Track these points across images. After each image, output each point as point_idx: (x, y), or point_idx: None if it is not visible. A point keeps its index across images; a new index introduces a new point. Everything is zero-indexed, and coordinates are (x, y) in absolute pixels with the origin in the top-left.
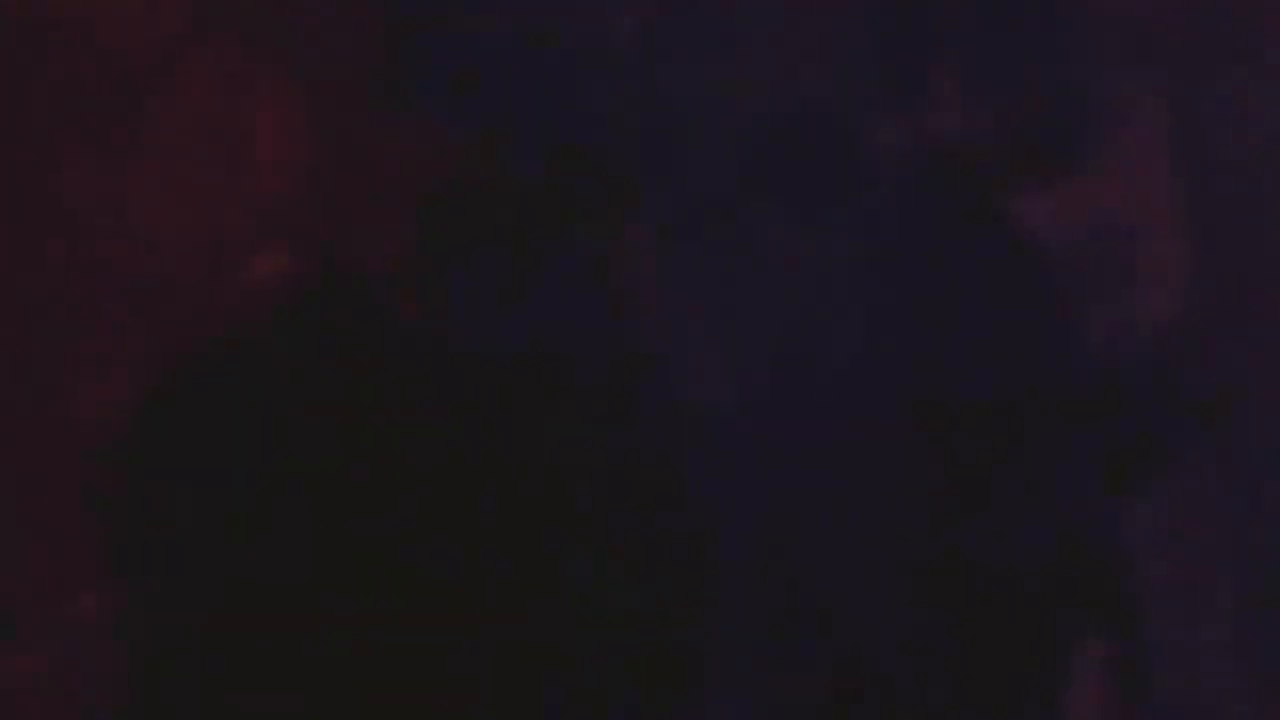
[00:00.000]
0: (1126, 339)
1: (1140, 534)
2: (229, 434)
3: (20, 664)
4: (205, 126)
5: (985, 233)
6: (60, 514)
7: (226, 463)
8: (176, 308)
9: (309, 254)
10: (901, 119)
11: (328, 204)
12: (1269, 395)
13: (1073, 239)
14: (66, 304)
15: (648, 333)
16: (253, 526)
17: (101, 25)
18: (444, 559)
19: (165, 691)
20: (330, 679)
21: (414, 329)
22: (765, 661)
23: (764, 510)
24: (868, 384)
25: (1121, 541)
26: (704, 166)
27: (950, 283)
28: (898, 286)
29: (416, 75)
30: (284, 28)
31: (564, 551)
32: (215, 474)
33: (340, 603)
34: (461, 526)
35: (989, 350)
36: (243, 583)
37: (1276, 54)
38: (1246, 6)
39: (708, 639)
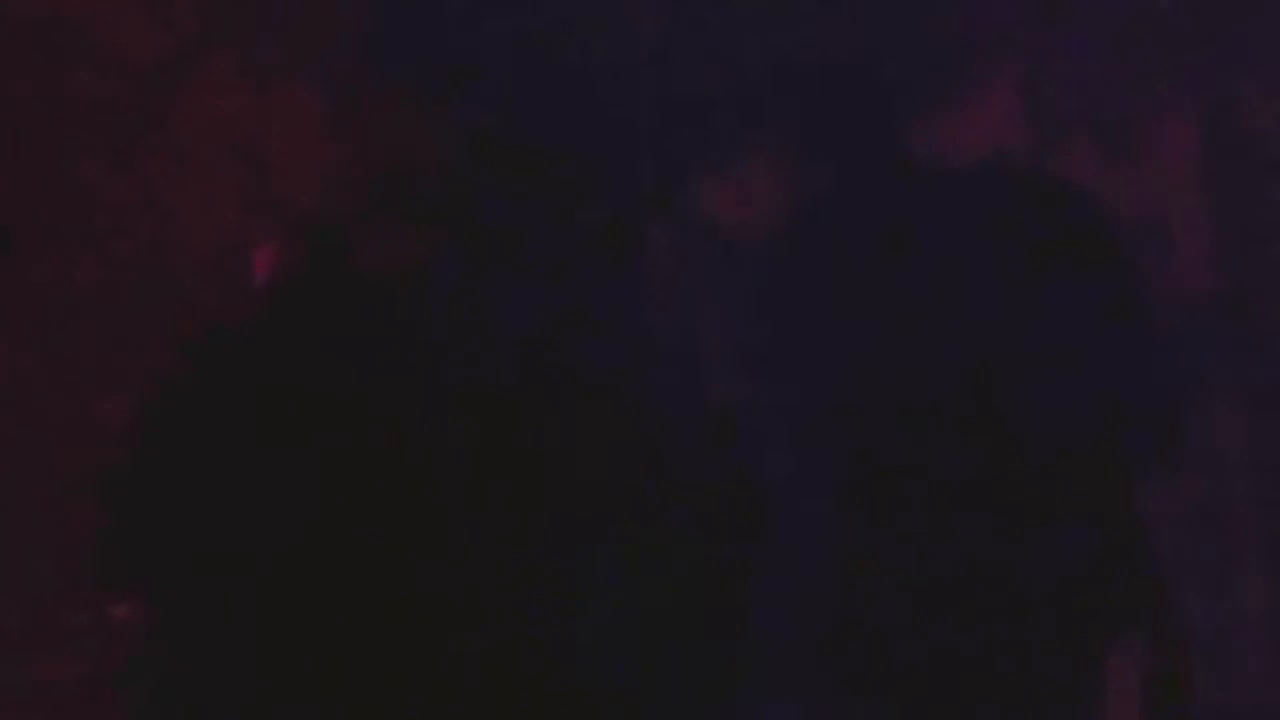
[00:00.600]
0: (1161, 316)
1: (1170, 519)
2: (247, 428)
3: (57, 670)
4: (221, 128)
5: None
6: (94, 520)
7: (244, 457)
8: (193, 305)
9: (323, 250)
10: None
11: (343, 202)
12: None
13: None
14: (90, 307)
15: (667, 328)
16: (273, 522)
17: (119, 32)
18: (465, 545)
19: (196, 691)
20: (355, 669)
21: (429, 325)
22: (809, 667)
23: (808, 506)
24: (906, 381)
25: (1153, 527)
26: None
27: (997, 281)
28: (947, 282)
29: (433, 74)
30: (300, 30)
31: (584, 542)
32: (234, 467)
33: (364, 592)
34: (485, 515)
35: (1037, 343)
36: (267, 581)
37: None
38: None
39: (749, 637)
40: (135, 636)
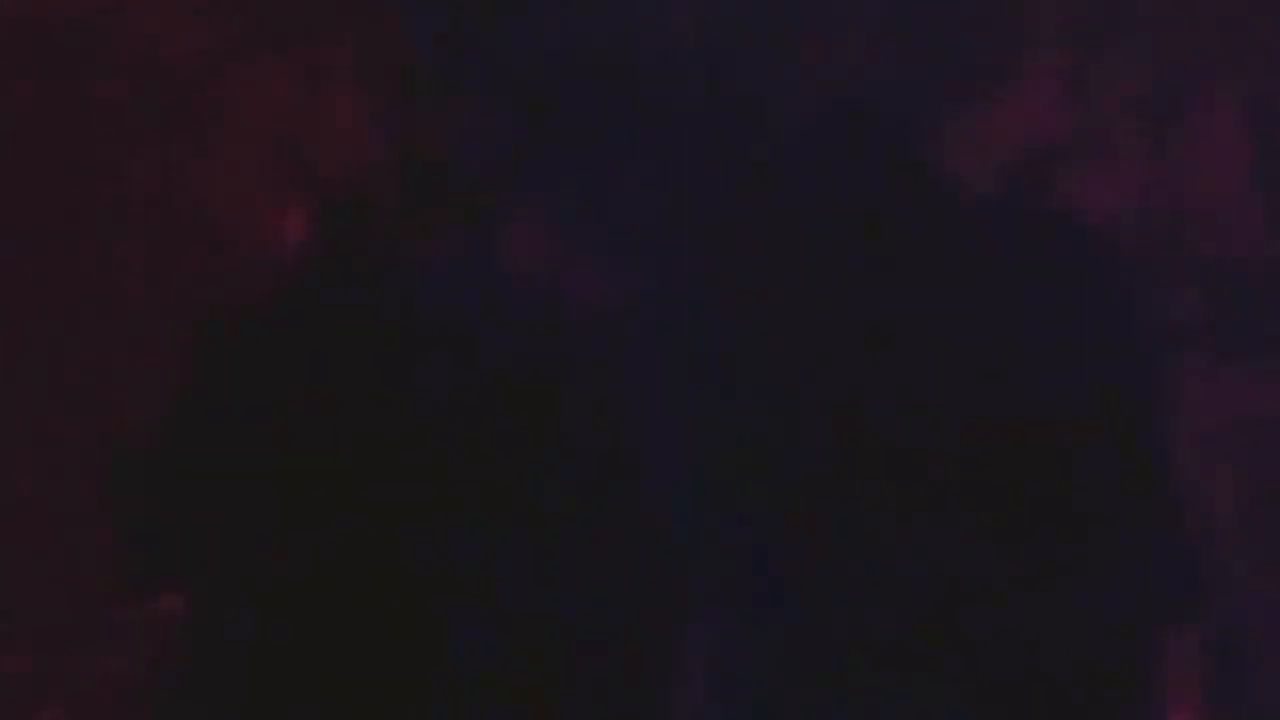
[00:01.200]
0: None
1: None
2: (278, 412)
3: (105, 664)
4: (261, 122)
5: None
6: (135, 512)
7: (277, 441)
8: (231, 295)
9: (363, 240)
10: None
11: (384, 191)
12: None
13: (1152, 220)
14: (129, 297)
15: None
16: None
17: (158, 29)
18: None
19: (233, 681)
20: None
21: (450, 308)
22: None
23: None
24: (929, 385)
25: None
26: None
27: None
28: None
29: (471, 68)
30: (345, 25)
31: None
32: (268, 451)
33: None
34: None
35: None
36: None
37: None
38: None
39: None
40: (179, 629)
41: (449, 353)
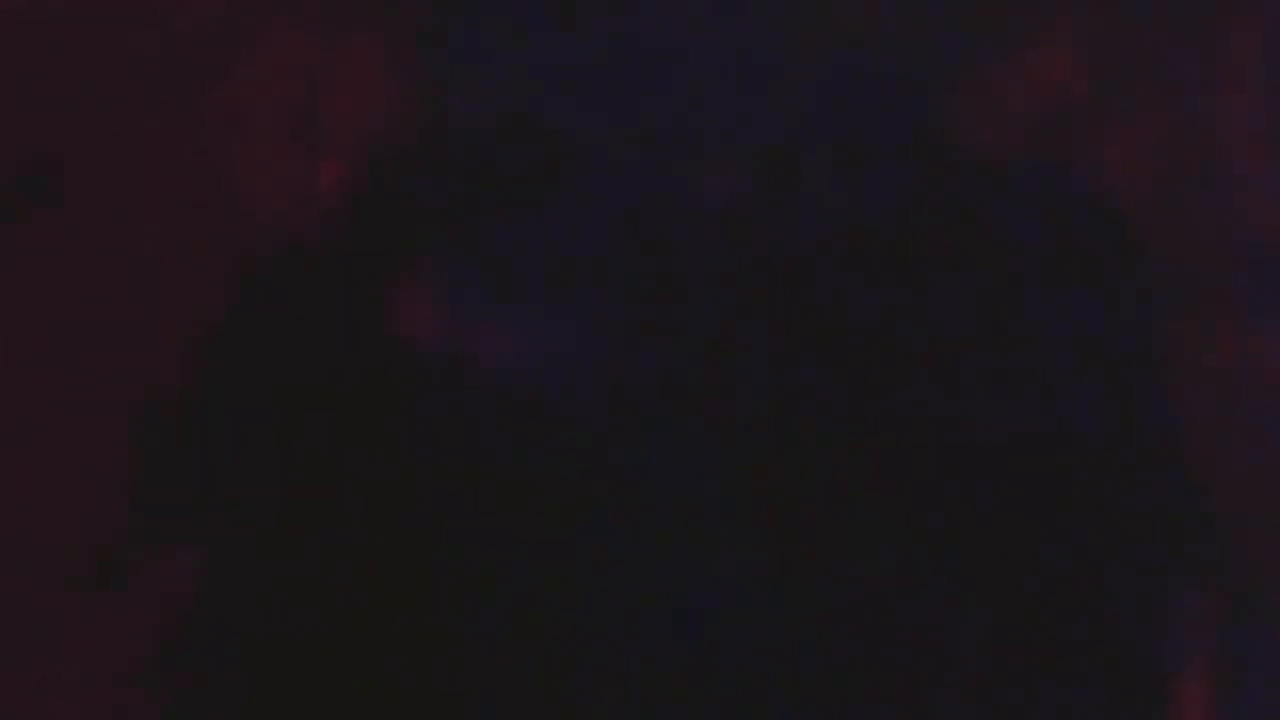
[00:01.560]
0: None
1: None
2: (302, 378)
3: (127, 615)
4: (281, 83)
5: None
6: (157, 466)
7: (300, 404)
8: (251, 257)
9: (377, 197)
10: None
11: (399, 149)
12: None
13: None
14: (143, 260)
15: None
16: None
17: None
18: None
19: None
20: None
21: (469, 273)
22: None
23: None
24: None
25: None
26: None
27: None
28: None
29: (484, 31)
30: None
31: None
32: (292, 414)
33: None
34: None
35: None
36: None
37: None
38: None
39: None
40: (201, 583)
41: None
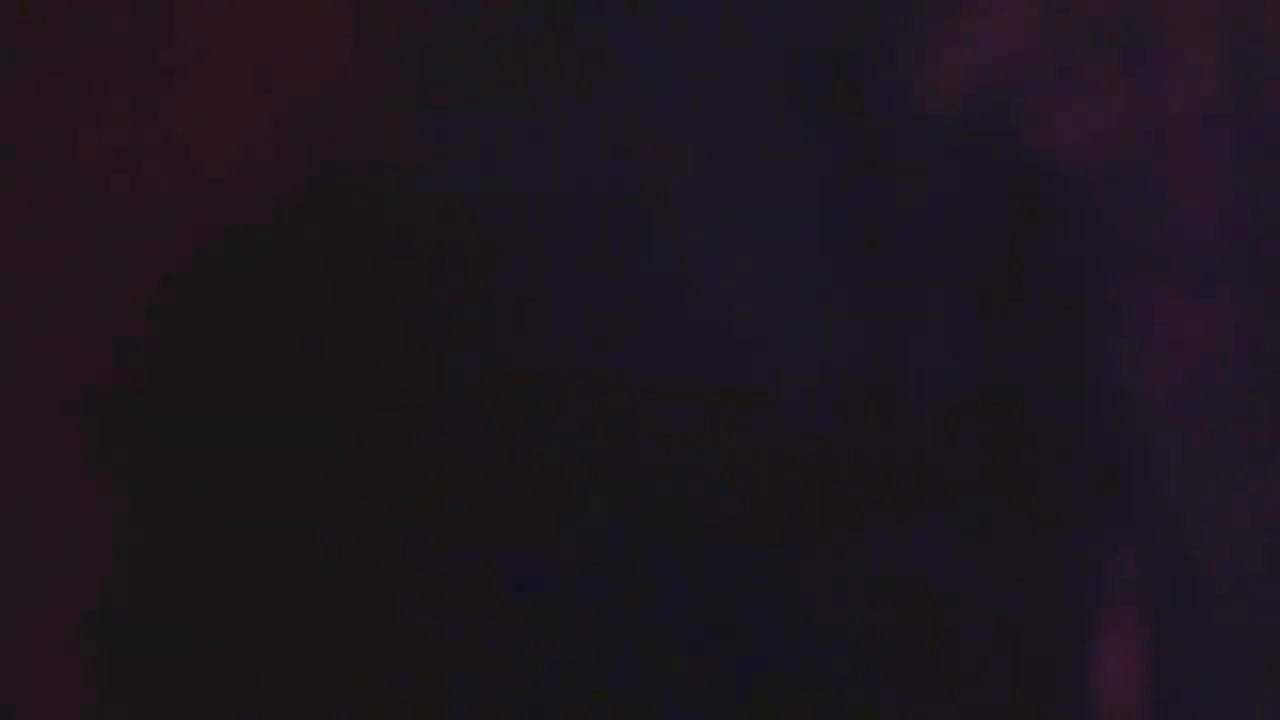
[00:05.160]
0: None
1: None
2: (253, 334)
3: (76, 572)
4: (224, 31)
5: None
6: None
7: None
8: (208, 210)
9: (339, 157)
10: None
11: (362, 109)
12: None
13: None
14: (89, 221)
15: (678, 248)
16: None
17: None
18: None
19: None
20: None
21: (439, 233)
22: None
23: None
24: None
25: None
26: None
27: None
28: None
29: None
30: None
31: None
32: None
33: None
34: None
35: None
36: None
37: None
38: None
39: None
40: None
41: (432, 258)
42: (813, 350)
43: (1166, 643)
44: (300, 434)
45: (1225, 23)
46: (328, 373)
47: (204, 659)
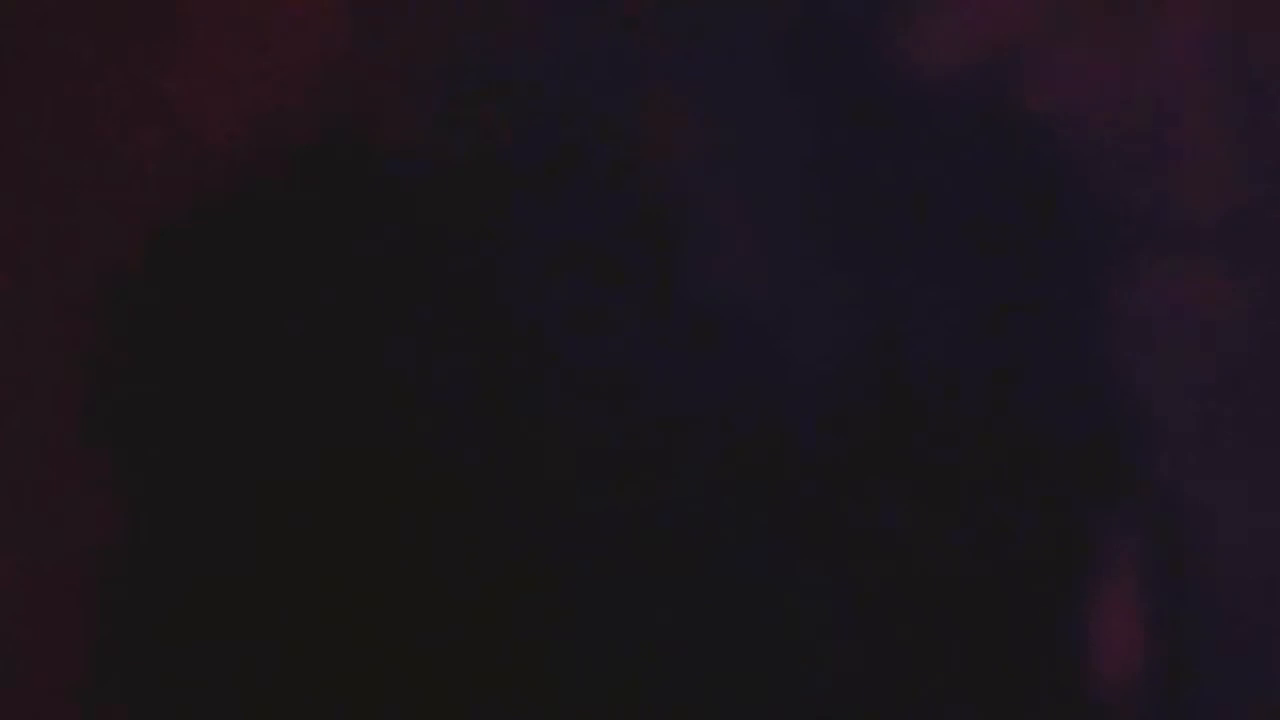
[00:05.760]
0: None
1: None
2: (250, 303)
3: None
4: (243, 3)
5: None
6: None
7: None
8: (203, 179)
9: (337, 128)
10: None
11: (360, 78)
12: None
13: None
14: (79, 188)
15: (675, 217)
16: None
17: None
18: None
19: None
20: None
21: (436, 203)
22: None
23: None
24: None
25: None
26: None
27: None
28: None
29: None
30: None
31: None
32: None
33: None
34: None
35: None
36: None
37: None
38: None
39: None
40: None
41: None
42: (820, 324)
43: (1167, 612)
44: (298, 402)
45: None
46: (325, 341)
47: (203, 658)
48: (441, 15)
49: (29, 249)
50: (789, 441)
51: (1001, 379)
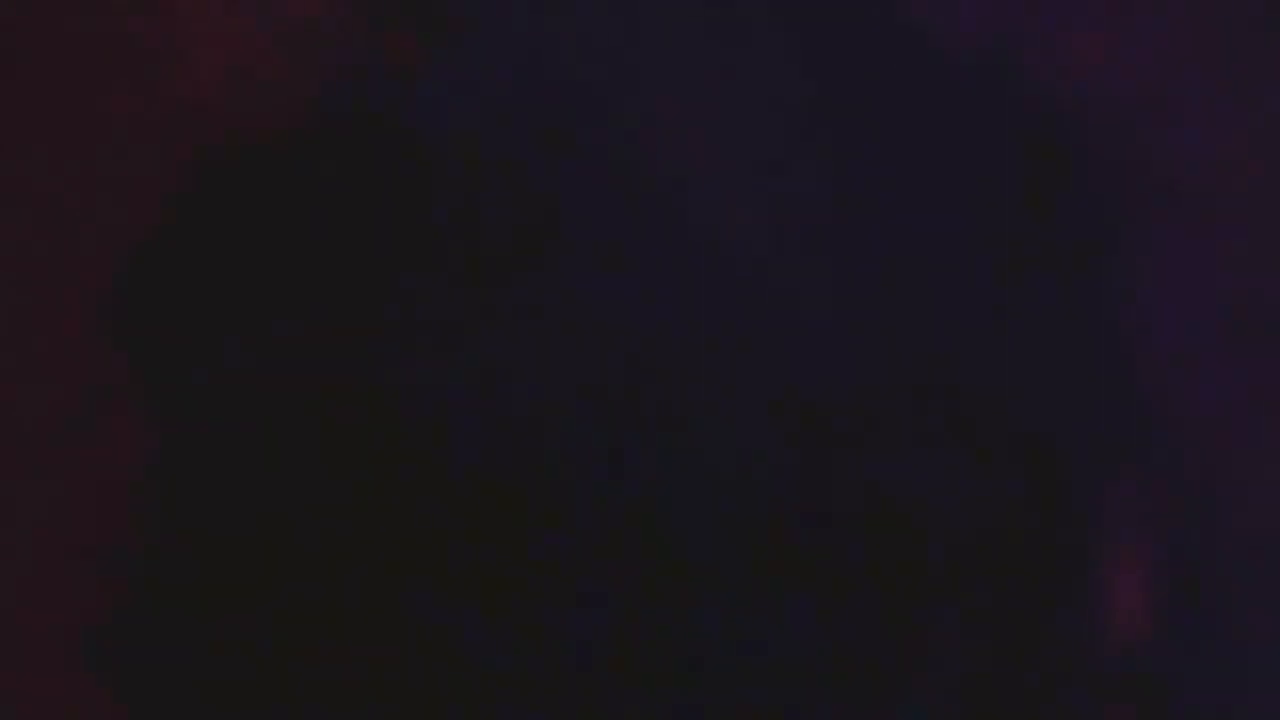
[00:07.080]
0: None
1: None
2: (252, 252)
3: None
4: None
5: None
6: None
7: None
8: (210, 129)
9: (337, 78)
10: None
11: (361, 29)
12: None
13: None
14: (81, 138)
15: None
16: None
17: None
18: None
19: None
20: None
21: (440, 158)
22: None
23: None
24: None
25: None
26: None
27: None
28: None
29: None
30: None
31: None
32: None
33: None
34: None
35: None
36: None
37: None
38: None
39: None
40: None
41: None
42: (825, 304)
43: (1175, 568)
44: (300, 352)
45: None
46: (323, 288)
47: (201, 658)
48: None
49: (4, 210)
50: (795, 422)
51: (1004, 358)
